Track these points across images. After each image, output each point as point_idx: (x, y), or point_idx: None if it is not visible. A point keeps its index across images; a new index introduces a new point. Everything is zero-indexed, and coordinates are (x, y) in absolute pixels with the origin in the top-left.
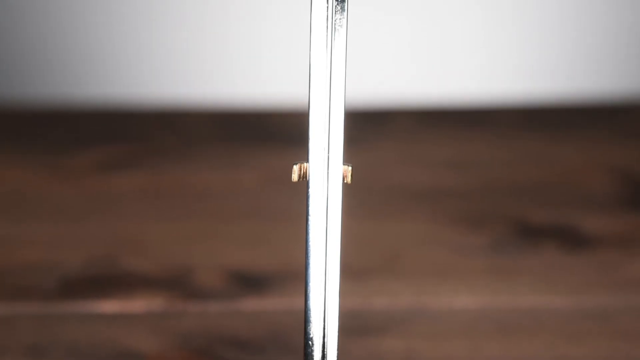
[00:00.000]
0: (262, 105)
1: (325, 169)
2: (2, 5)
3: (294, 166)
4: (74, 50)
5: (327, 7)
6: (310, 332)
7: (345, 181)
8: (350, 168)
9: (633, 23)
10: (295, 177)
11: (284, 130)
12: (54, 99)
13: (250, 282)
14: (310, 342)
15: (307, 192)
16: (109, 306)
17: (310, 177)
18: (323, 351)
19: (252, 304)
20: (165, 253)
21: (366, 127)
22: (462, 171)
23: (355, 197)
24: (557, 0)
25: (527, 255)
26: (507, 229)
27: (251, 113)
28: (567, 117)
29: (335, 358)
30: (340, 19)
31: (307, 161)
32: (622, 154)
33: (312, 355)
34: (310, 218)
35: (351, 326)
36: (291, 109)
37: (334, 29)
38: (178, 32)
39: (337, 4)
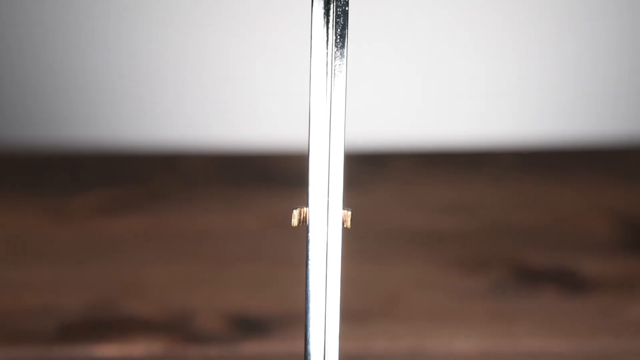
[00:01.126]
0: (262, 148)
1: (325, 214)
2: (2, 49)
3: (294, 211)
4: (74, 93)
5: (327, 53)
6: None
7: (344, 226)
8: (349, 213)
9: (632, 66)
10: (295, 221)
11: (284, 173)
12: (53, 142)
13: (250, 326)
14: None
15: (307, 237)
16: (109, 350)
17: (310, 222)
18: None
19: (252, 348)
20: (165, 296)
21: (365, 169)
22: (461, 214)
23: (354, 240)
24: (556, 43)
25: (526, 299)
26: (507, 272)
27: (251, 155)
28: (565, 160)
29: None
30: (339, 64)
31: (307, 206)
32: (621, 197)
33: None
34: (310, 262)
35: None
36: (291, 151)
37: (333, 75)
38: (178, 75)
39: (337, 50)
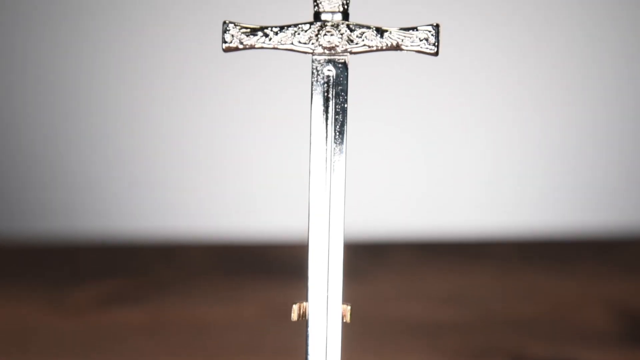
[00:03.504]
0: (261, 238)
1: (325, 309)
2: (0, 140)
3: (293, 306)
4: (72, 185)
5: (326, 149)
6: None
7: (344, 320)
8: (349, 307)
9: (631, 158)
10: (294, 316)
11: (284, 263)
12: (52, 234)
13: None
14: None
15: (307, 332)
16: None
17: (310, 317)
18: None
19: None
20: None
21: (365, 259)
22: (460, 305)
23: (353, 331)
24: (555, 135)
25: None
26: None
27: (250, 246)
28: (564, 250)
29: None
30: (338, 160)
31: (306, 300)
32: (620, 288)
33: None
34: (310, 357)
35: None
36: (290, 241)
37: (332, 170)
38: (176, 166)
39: (336, 146)
